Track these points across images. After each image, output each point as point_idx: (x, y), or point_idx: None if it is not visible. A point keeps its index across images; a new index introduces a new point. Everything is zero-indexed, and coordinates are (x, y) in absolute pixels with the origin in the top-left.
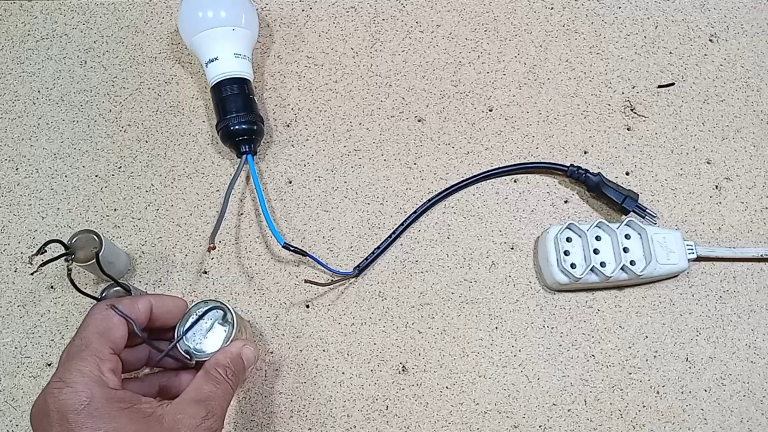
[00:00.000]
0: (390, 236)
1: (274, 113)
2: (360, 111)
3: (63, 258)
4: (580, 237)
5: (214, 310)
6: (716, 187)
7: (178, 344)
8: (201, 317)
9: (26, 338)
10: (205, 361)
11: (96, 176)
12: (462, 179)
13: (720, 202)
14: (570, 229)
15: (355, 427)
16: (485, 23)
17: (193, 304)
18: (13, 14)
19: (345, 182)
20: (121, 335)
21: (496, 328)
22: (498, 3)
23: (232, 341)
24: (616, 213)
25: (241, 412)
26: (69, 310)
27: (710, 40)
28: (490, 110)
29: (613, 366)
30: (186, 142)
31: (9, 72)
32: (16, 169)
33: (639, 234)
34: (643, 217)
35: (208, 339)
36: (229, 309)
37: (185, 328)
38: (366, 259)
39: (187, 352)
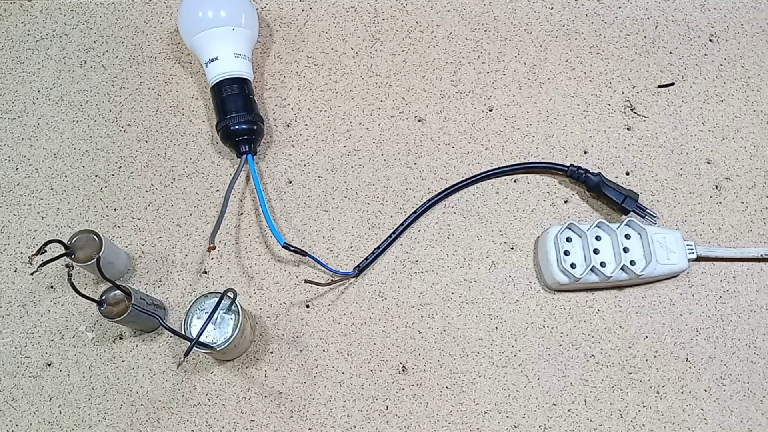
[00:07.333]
0: (390, 236)
1: (274, 113)
2: (360, 111)
3: (63, 263)
4: (580, 237)
5: (216, 300)
6: (716, 187)
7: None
8: (214, 310)
9: (26, 338)
10: (225, 347)
11: (96, 176)
12: (462, 179)
13: (720, 202)
14: (570, 229)
15: (355, 427)
16: (485, 23)
17: (196, 297)
18: (13, 14)
19: (345, 182)
20: None
21: (496, 328)
22: (498, 3)
23: (240, 327)
24: (616, 213)
25: (241, 412)
26: (69, 310)
27: (710, 40)
28: (490, 110)
29: (613, 366)
30: (186, 142)
31: (9, 72)
32: (16, 169)
33: (639, 234)
34: (643, 217)
35: (219, 328)
36: (231, 297)
37: (205, 322)
38: (366, 259)
39: (204, 343)
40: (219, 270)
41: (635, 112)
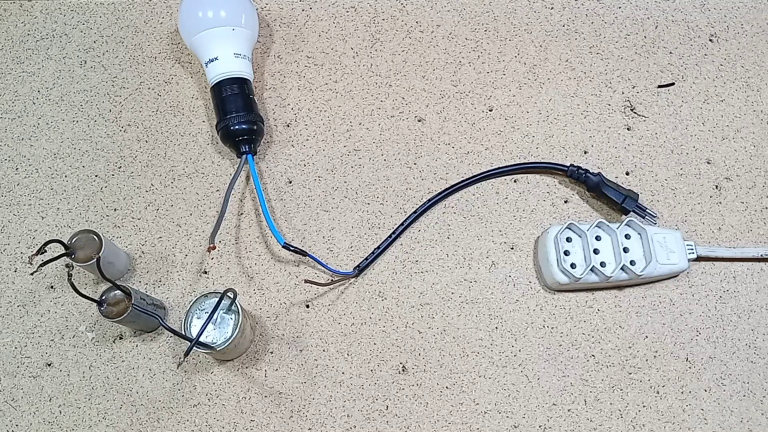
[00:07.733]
0: (390, 236)
1: (274, 113)
2: (360, 111)
3: (63, 263)
4: (580, 237)
5: (216, 300)
6: (716, 187)
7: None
8: (214, 310)
9: (26, 338)
10: (225, 347)
11: (96, 176)
12: (462, 179)
13: (720, 202)
14: (570, 229)
15: (355, 427)
16: (485, 23)
17: (196, 297)
18: (13, 14)
19: (345, 182)
20: None
21: (496, 328)
22: (498, 3)
23: (240, 327)
24: (616, 213)
25: (241, 412)
26: (69, 310)
27: (710, 40)
28: (490, 110)
29: (613, 366)
30: (186, 142)
31: (9, 72)
32: (16, 169)
33: (639, 234)
34: (643, 217)
35: (219, 328)
36: (231, 297)
37: (205, 322)
38: (366, 259)
39: (204, 343)
40: (219, 270)
41: (635, 112)
